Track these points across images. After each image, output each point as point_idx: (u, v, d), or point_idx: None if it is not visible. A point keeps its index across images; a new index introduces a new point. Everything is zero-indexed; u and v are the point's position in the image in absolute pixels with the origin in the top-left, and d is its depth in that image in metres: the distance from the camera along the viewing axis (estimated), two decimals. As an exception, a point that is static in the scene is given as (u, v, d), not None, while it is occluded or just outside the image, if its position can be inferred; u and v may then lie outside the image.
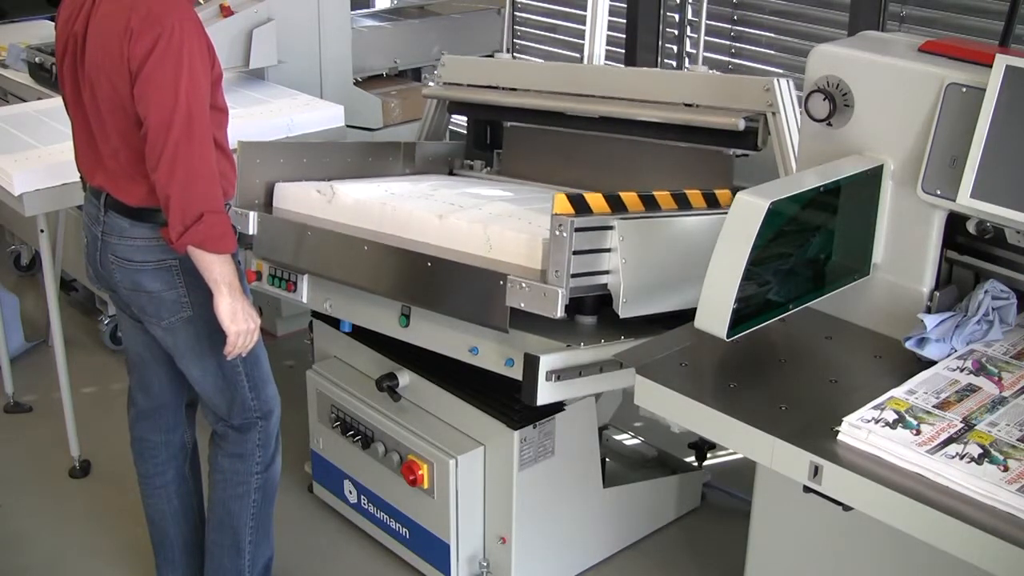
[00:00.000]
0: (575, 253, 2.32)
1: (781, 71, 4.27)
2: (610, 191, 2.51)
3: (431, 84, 3.62)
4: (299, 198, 2.99)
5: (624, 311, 2.40)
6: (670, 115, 3.00)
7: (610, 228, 2.39)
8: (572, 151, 3.34)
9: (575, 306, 2.48)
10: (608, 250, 2.39)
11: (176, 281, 2.50)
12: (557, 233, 2.32)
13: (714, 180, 2.97)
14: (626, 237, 2.39)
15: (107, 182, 2.47)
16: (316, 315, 3.23)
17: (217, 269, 2.39)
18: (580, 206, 2.41)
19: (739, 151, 2.98)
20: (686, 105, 2.98)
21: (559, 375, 2.34)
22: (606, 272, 2.41)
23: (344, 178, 3.24)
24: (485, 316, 2.48)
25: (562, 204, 2.37)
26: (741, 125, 2.84)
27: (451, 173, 3.54)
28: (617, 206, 2.50)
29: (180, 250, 2.37)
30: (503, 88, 3.38)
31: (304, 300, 2.95)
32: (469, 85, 3.45)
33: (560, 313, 2.32)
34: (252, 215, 2.92)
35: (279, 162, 3.11)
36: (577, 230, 2.32)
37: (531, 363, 2.32)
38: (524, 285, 2.36)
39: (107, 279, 2.57)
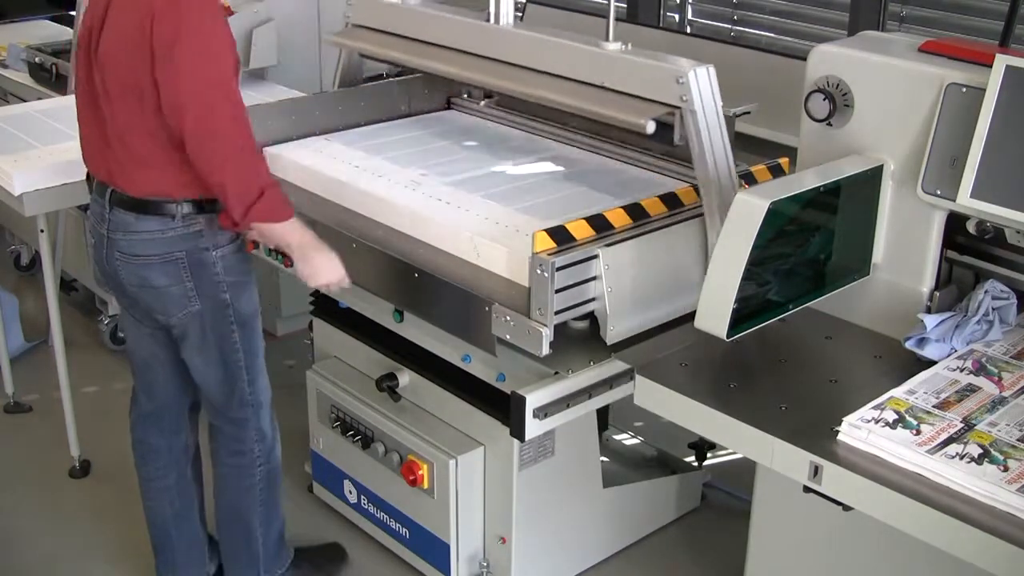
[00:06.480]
0: (558, 291, 2.28)
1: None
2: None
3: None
4: (288, 169, 3.01)
5: (611, 338, 2.38)
6: (577, 102, 2.68)
7: (594, 257, 2.35)
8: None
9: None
10: (593, 278, 2.35)
11: (183, 275, 2.50)
12: (539, 273, 2.27)
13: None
14: (611, 265, 2.35)
15: (112, 170, 2.47)
16: (316, 315, 3.23)
17: (288, 235, 2.44)
18: (562, 237, 2.38)
19: (739, 110, 2.80)
20: (598, 87, 2.65)
21: (546, 412, 2.34)
22: (592, 300, 2.37)
23: (338, 129, 3.28)
24: (473, 337, 2.48)
25: (543, 241, 2.33)
26: (650, 128, 2.50)
27: (449, 104, 3.57)
28: (602, 226, 2.47)
29: (244, 228, 2.41)
30: (410, 39, 3.13)
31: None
32: (378, 30, 3.25)
33: (545, 351, 2.29)
34: None
35: (267, 124, 3.12)
36: (559, 269, 2.27)
37: (518, 402, 2.30)
38: (508, 318, 2.34)
39: (113, 277, 2.57)
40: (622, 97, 2.59)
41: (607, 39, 2.64)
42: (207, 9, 2.34)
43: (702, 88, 2.45)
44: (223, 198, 2.36)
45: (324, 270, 2.50)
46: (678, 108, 2.48)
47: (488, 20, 2.93)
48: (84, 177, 2.67)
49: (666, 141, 2.96)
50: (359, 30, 3.31)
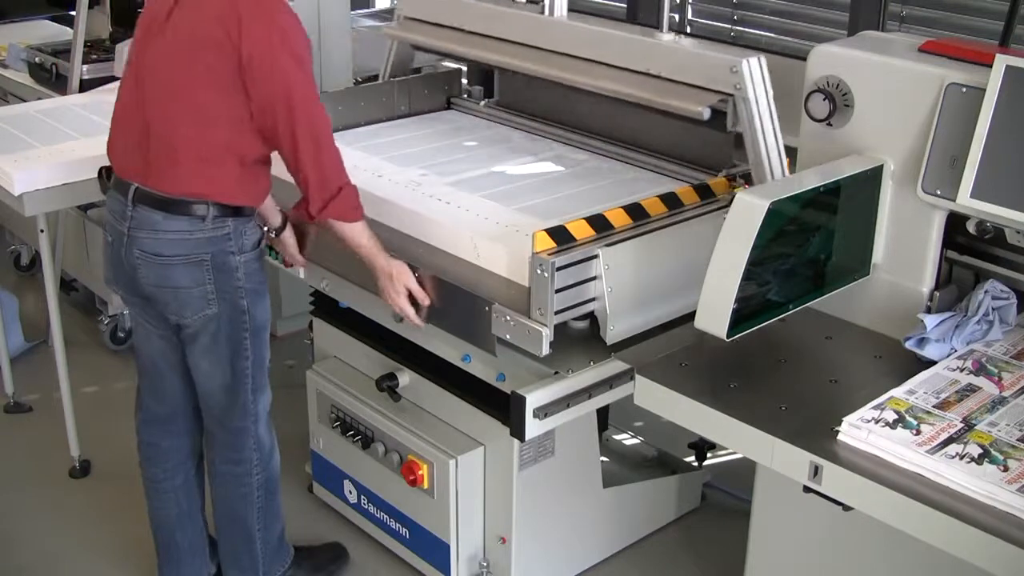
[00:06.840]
0: (558, 291, 2.28)
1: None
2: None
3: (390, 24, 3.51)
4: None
5: (611, 338, 2.38)
6: (632, 91, 2.78)
7: (594, 257, 2.35)
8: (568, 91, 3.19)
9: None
10: (593, 278, 2.36)
11: (205, 277, 2.50)
12: (539, 273, 2.28)
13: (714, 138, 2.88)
14: (611, 265, 2.36)
15: (150, 166, 2.45)
16: (316, 315, 3.23)
17: (361, 238, 2.51)
18: (562, 237, 2.38)
19: None
20: (651, 76, 2.76)
21: (546, 411, 2.34)
22: (592, 300, 2.38)
23: (338, 129, 3.25)
24: (473, 337, 2.48)
25: (543, 241, 2.34)
26: (706, 115, 2.61)
27: (449, 104, 3.59)
28: (602, 226, 2.47)
29: (320, 221, 2.50)
30: (463, 30, 3.22)
31: (301, 275, 2.95)
32: (428, 22, 3.34)
33: (545, 351, 2.30)
34: None
35: None
36: (559, 269, 2.27)
37: (518, 402, 2.30)
38: (508, 319, 2.34)
39: (129, 276, 2.54)
40: (676, 86, 2.69)
41: (661, 30, 2.78)
42: (290, 12, 2.42)
43: (754, 77, 2.57)
44: (305, 190, 2.46)
45: (383, 292, 2.53)
46: (731, 96, 2.58)
47: (542, 12, 3.04)
48: (84, 177, 2.67)
49: (671, 140, 3.00)
50: (411, 22, 3.39)
